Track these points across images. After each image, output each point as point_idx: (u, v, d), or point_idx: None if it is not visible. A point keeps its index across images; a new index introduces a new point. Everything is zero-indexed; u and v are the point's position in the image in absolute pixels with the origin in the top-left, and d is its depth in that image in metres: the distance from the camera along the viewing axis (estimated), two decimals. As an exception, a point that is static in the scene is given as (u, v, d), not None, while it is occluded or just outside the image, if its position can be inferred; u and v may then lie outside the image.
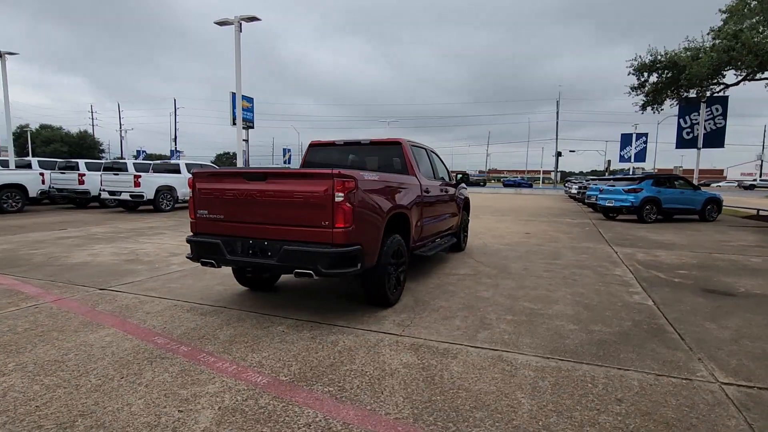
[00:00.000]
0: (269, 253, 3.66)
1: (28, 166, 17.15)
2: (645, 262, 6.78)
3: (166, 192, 14.25)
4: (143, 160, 49.65)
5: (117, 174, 13.89)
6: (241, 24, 14.26)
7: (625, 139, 39.46)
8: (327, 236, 3.48)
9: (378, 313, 4.09)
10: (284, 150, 57.04)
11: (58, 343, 3.27)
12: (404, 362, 3.01)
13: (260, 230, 3.74)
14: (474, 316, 4.01)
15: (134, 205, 14.26)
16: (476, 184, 53.04)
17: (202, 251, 3.94)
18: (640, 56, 16.33)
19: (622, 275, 5.83)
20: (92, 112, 64.12)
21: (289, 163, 54.54)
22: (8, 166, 16.75)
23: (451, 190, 6.60)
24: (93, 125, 63.06)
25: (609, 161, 54.61)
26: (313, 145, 5.75)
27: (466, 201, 7.75)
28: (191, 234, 4.10)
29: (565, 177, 53.39)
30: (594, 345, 3.36)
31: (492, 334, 3.58)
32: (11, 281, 5.08)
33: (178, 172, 14.84)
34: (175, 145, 53.48)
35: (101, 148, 61.22)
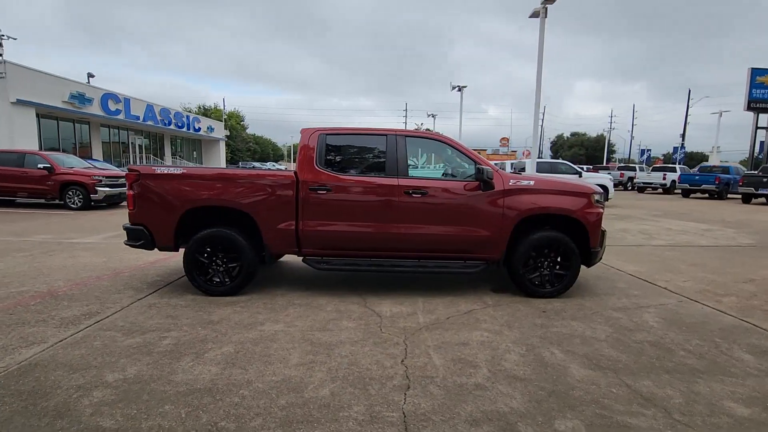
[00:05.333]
0: None
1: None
2: None
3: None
4: (646, 160, 44.28)
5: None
6: (546, 9, 12.75)
7: None
8: None
9: (187, 296, 4.30)
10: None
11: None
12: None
13: None
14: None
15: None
16: None
17: None
18: None
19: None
20: (611, 116, 61.10)
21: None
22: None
23: (461, 198, 4.39)
24: (610, 128, 58.46)
25: None
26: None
27: (570, 219, 4.47)
28: None
29: None
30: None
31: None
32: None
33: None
34: (683, 141, 43.06)
35: (612, 149, 61.40)
